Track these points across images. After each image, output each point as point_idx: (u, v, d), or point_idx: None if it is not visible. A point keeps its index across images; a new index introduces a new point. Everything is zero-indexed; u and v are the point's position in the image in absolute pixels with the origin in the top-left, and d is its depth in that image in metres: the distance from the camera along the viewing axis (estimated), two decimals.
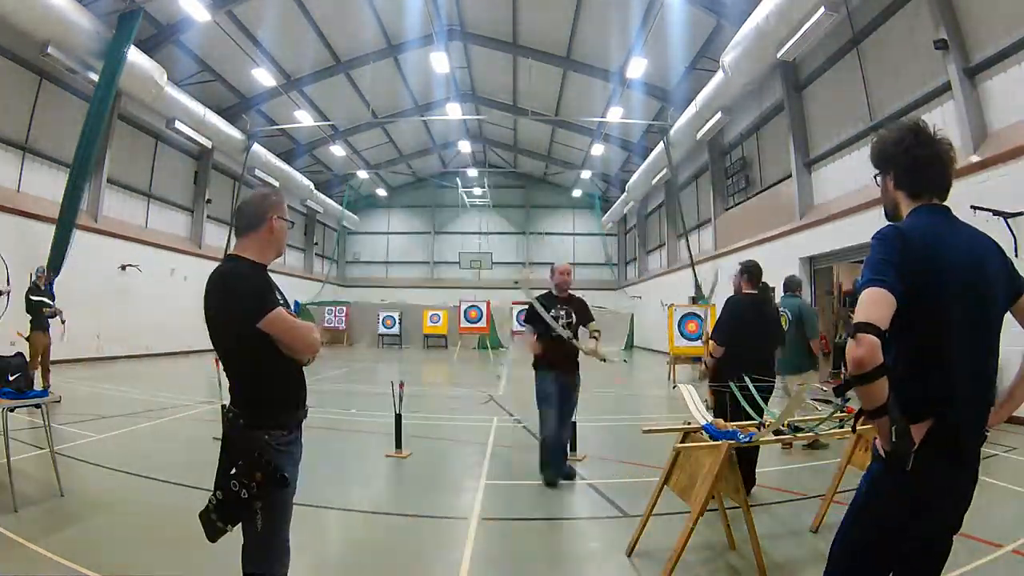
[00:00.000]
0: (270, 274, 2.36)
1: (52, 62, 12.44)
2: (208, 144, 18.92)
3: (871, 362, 1.56)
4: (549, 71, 20.13)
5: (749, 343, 4.69)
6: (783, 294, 7.15)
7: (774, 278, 16.06)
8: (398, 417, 6.10)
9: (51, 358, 9.58)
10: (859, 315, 1.62)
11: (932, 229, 1.80)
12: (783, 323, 6.76)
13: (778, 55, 11.55)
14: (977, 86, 8.95)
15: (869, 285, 1.67)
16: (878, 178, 2.03)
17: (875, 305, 1.63)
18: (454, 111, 21.20)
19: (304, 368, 2.33)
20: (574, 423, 6.13)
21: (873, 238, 1.81)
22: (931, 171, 1.92)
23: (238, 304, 2.15)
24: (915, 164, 1.92)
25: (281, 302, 2.26)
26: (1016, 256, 7.91)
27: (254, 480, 2.05)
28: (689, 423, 3.57)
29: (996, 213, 8.03)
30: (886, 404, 1.60)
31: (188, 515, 4.14)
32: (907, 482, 1.69)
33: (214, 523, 2.11)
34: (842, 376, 9.26)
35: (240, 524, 2.17)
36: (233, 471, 2.08)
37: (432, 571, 3.40)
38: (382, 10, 17.62)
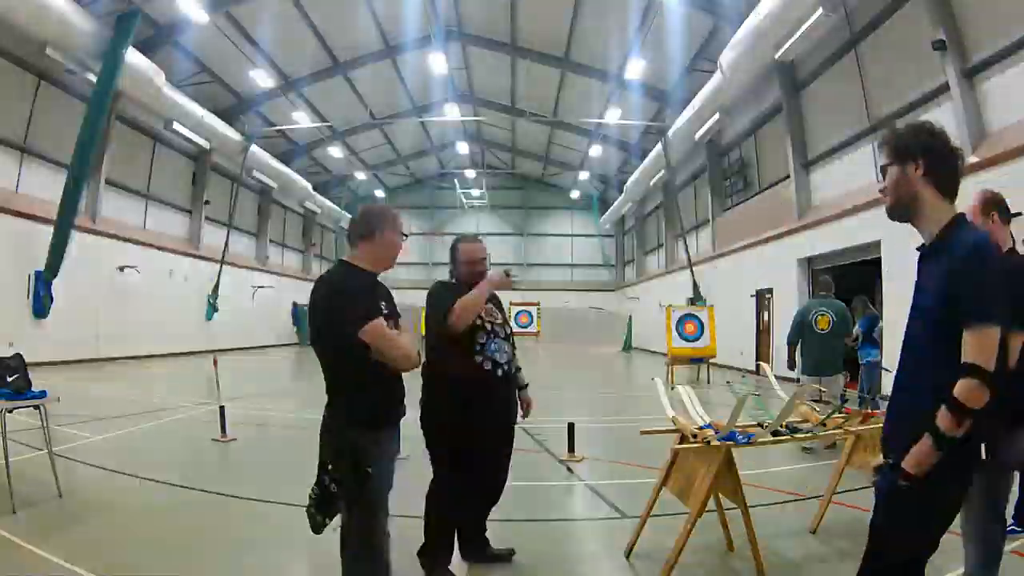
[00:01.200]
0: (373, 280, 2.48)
1: (51, 63, 12.44)
2: (206, 145, 18.91)
3: (978, 405, 1.61)
4: (547, 72, 20.15)
5: None
6: (821, 294, 7.13)
7: (773, 279, 16.10)
8: None
9: (48, 358, 9.57)
10: (980, 358, 1.62)
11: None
12: (824, 323, 6.75)
13: (776, 56, 11.57)
14: (975, 86, 8.97)
15: (991, 322, 1.64)
16: (891, 168, 1.91)
17: (992, 350, 1.63)
18: (452, 112, 21.23)
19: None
20: (571, 424, 6.12)
21: (978, 250, 1.74)
22: (958, 170, 1.89)
23: (341, 312, 2.27)
24: (951, 158, 1.87)
25: (385, 311, 2.36)
26: None
27: (342, 476, 2.22)
28: (672, 418, 3.55)
29: None
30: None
31: (187, 516, 4.16)
32: (934, 495, 1.74)
33: (314, 516, 2.28)
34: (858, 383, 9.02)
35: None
36: (329, 467, 2.24)
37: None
38: (380, 11, 17.63)
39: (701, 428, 3.37)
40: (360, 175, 29.53)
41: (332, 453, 2.27)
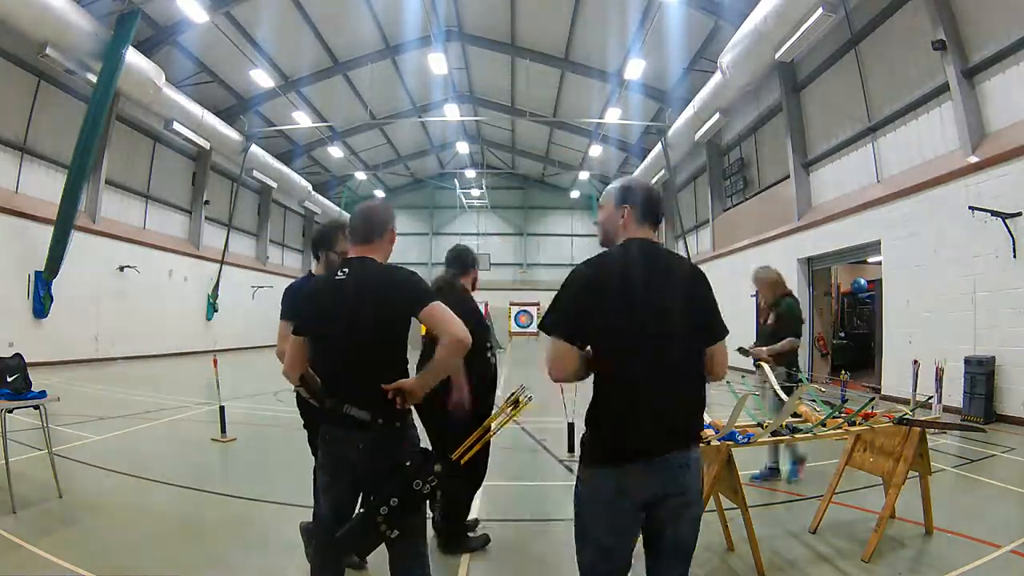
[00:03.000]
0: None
1: (50, 63, 12.42)
2: (206, 145, 18.89)
3: None
4: (547, 72, 20.13)
5: None
6: None
7: None
8: None
9: (48, 358, 9.61)
10: None
11: None
12: None
13: (776, 56, 11.56)
14: (975, 87, 8.97)
15: None
16: None
17: None
18: (452, 112, 21.20)
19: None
20: (571, 424, 6.10)
21: None
22: None
23: (400, 293, 2.23)
24: None
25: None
26: (1015, 257, 7.94)
27: (433, 474, 2.14)
28: None
29: (994, 214, 8.06)
30: None
31: (187, 515, 4.16)
32: None
33: (381, 534, 2.13)
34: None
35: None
36: (410, 472, 2.12)
37: (432, 572, 3.39)
38: (380, 11, 17.61)
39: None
40: (360, 175, 29.51)
41: (408, 456, 2.19)
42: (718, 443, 3.15)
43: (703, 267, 14.85)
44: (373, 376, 2.16)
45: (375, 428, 2.17)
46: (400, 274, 2.28)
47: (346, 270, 2.31)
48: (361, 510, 2.09)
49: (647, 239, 2.00)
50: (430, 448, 2.21)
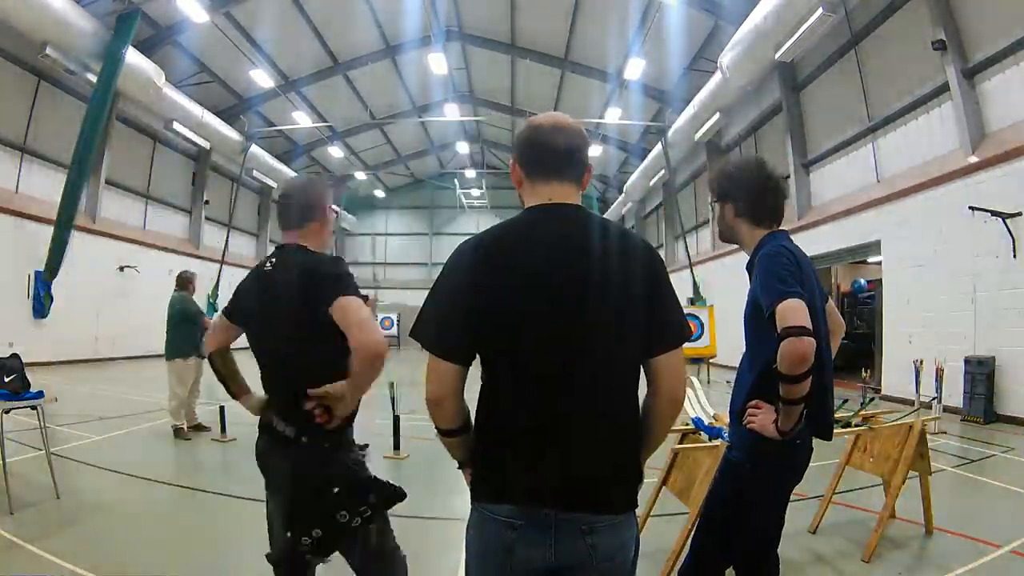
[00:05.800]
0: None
1: (50, 63, 12.42)
2: (206, 145, 18.90)
3: (811, 360, 1.88)
4: (547, 72, 20.14)
5: None
6: None
7: None
8: (396, 419, 6.09)
9: (48, 359, 9.61)
10: (793, 320, 1.87)
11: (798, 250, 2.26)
12: None
13: (776, 56, 11.56)
14: (975, 87, 8.97)
15: (788, 297, 1.95)
16: (715, 206, 2.35)
17: (802, 312, 1.90)
18: (452, 112, 21.21)
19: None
20: None
21: (763, 255, 2.21)
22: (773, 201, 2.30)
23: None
24: (761, 194, 2.28)
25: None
26: (1015, 257, 7.93)
27: (366, 504, 1.86)
28: (687, 424, 3.56)
29: (994, 214, 8.05)
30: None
31: (186, 515, 4.16)
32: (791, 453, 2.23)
33: (307, 563, 1.92)
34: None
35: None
36: (335, 501, 1.83)
37: (431, 573, 3.38)
38: (380, 11, 17.62)
39: (702, 427, 3.37)
40: (360, 175, 29.52)
41: (337, 483, 1.85)
42: (718, 443, 3.15)
43: (703, 267, 14.90)
44: (298, 383, 1.85)
45: (300, 446, 1.88)
46: (324, 260, 1.99)
47: (273, 260, 2.08)
48: (288, 534, 1.82)
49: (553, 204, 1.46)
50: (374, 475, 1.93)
